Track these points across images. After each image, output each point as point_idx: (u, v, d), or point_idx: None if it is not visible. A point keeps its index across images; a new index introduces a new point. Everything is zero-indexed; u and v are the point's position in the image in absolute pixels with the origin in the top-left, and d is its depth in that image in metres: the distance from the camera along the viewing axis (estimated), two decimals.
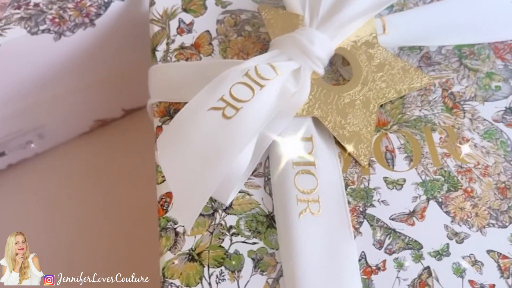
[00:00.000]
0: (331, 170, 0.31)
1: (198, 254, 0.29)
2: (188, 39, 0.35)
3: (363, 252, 0.29)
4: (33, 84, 0.40)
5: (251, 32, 0.36)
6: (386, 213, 0.30)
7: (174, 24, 0.36)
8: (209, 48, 0.35)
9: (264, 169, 0.31)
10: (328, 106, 0.32)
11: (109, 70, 0.44)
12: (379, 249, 0.29)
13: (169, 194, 0.31)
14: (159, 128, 0.33)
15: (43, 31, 0.37)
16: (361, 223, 0.30)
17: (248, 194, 0.31)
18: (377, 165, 0.31)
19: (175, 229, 0.30)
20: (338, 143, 0.32)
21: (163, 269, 0.29)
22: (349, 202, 0.30)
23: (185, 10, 0.36)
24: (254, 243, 0.30)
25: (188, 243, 0.30)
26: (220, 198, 0.30)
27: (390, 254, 0.29)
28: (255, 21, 0.36)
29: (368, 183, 0.31)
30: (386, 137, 0.32)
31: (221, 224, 0.30)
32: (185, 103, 0.33)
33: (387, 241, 0.29)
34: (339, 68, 0.34)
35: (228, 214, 0.30)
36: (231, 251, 0.29)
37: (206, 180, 0.28)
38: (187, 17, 0.36)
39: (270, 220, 0.30)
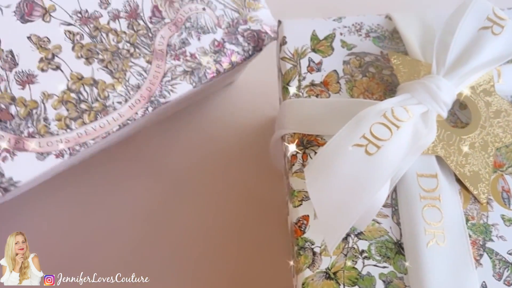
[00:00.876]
0: (453, 205, 0.34)
1: (334, 273, 0.33)
2: (317, 77, 0.39)
3: (484, 282, 0.32)
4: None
5: (374, 74, 0.39)
6: (504, 248, 0.33)
7: (304, 62, 0.40)
8: (337, 86, 0.39)
9: (391, 200, 0.35)
10: (451, 147, 0.35)
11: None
12: (499, 280, 0.32)
13: (305, 217, 0.35)
14: (294, 156, 0.37)
15: (202, 83, 0.41)
16: (481, 255, 0.33)
17: (378, 222, 0.34)
18: (494, 203, 0.35)
19: (312, 249, 0.34)
20: (458, 181, 0.35)
21: (303, 284, 0.33)
22: (469, 236, 0.34)
23: (314, 50, 0.40)
24: (384, 267, 0.33)
25: (324, 263, 0.33)
26: (358, 226, 0.33)
27: (509, 286, 0.32)
28: (378, 63, 0.40)
29: (487, 219, 0.34)
30: (502, 178, 0.36)
31: (354, 248, 0.34)
32: (317, 135, 0.37)
33: (506, 273, 0.33)
34: (457, 111, 0.38)
35: (360, 239, 0.34)
36: (363, 272, 0.33)
37: (350, 210, 0.31)
38: (316, 57, 0.40)
39: (398, 247, 0.34)
